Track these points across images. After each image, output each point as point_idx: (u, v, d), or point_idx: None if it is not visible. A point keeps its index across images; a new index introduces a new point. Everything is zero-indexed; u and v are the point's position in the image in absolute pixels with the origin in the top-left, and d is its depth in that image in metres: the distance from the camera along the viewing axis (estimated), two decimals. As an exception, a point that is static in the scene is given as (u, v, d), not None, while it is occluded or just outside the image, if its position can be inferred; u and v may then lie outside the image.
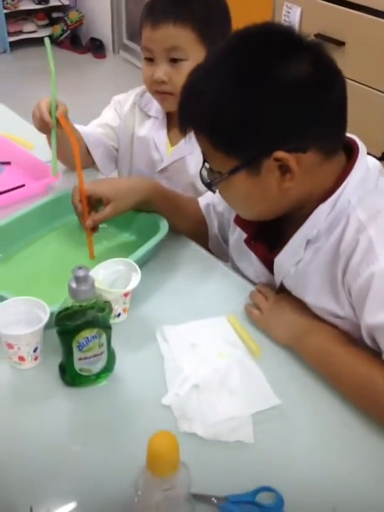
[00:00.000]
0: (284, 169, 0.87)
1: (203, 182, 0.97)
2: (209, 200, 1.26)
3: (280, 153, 0.85)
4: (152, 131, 1.40)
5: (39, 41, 4.72)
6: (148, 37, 1.25)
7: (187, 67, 1.22)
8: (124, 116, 1.43)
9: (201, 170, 0.96)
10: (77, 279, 0.83)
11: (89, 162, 1.41)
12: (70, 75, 4.40)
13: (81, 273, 0.83)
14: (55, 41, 4.66)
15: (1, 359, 0.95)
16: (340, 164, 0.93)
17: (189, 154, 1.35)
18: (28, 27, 4.60)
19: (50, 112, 1.23)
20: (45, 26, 4.67)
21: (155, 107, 1.39)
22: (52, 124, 1.24)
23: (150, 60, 1.27)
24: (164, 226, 1.15)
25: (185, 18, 1.21)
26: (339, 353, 0.92)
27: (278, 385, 0.92)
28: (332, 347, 0.93)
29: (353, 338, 0.94)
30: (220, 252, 1.27)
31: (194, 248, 1.22)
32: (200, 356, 0.96)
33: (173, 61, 1.25)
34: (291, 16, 2.33)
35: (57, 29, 4.62)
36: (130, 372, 0.95)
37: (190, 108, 0.90)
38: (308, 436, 0.86)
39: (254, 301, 1.05)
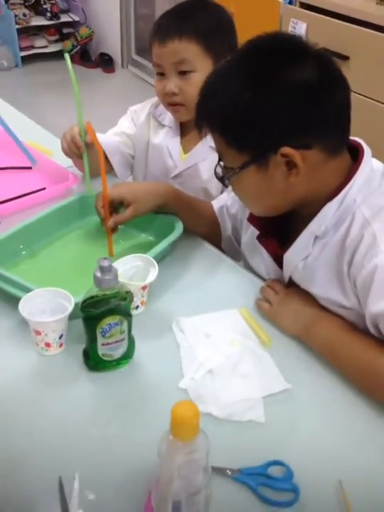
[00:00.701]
0: (290, 165, 0.94)
1: (217, 177, 1.04)
2: (223, 202, 1.33)
3: (286, 149, 0.92)
4: (166, 139, 1.48)
5: (50, 56, 4.88)
6: (158, 53, 1.33)
7: (195, 78, 1.31)
8: (140, 125, 1.51)
9: (216, 167, 1.03)
10: (102, 269, 0.90)
11: (107, 168, 1.49)
12: (80, 88, 4.51)
13: (105, 263, 0.90)
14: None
15: (28, 346, 1.02)
16: (345, 164, 1.00)
17: (201, 161, 1.43)
18: (40, 42, 4.71)
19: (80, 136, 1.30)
20: (56, 41, 4.78)
21: (168, 117, 1.47)
22: (83, 148, 1.31)
23: (161, 74, 1.36)
24: (179, 226, 1.22)
25: (189, 32, 1.29)
26: (346, 341, 0.98)
27: (287, 371, 0.98)
28: (339, 335, 0.99)
29: (358, 328, 1.00)
30: (233, 252, 1.34)
31: (207, 247, 1.29)
32: (213, 345, 1.03)
33: (182, 73, 1.33)
34: (297, 31, 2.42)
35: (67, 44, 4.73)
36: (148, 359, 1.02)
37: (205, 108, 0.98)
38: (315, 416, 0.93)
39: (264, 295, 1.12)
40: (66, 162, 1.49)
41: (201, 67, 1.31)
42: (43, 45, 4.73)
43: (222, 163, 1.02)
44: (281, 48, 0.94)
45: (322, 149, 0.95)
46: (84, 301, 0.93)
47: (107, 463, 0.85)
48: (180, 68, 1.32)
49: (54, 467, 0.84)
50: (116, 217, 1.21)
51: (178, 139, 1.47)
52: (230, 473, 0.83)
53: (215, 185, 1.44)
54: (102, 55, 4.75)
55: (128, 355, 0.99)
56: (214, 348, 1.02)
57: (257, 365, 0.99)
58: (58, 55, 4.79)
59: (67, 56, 1.28)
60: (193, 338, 1.04)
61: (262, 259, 1.19)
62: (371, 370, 0.94)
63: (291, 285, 1.12)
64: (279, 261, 1.14)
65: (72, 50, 4.71)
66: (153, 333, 1.06)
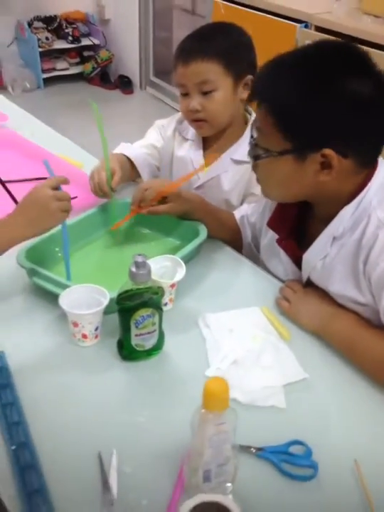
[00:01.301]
0: (325, 165, 1.03)
1: (249, 154, 1.12)
2: (243, 212, 1.42)
3: (328, 151, 1.01)
4: (190, 152, 1.57)
5: (70, 78, 5.04)
6: (181, 74, 1.42)
7: (217, 96, 1.41)
8: (167, 138, 1.62)
9: (251, 142, 1.11)
10: (137, 265, 0.99)
11: (133, 177, 1.59)
12: (99, 109, 4.65)
13: (140, 259, 0.99)
14: (85, 78, 4.92)
15: (65, 338, 1.10)
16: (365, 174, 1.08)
17: (223, 173, 1.52)
18: (61, 64, 4.86)
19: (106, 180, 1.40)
20: (77, 64, 4.93)
21: (191, 131, 1.57)
22: (110, 195, 1.41)
23: (185, 94, 1.45)
24: (203, 231, 1.31)
25: (210, 53, 1.38)
26: (361, 336, 1.06)
27: (305, 363, 1.06)
28: (355, 331, 1.07)
29: (373, 324, 1.08)
30: (252, 257, 1.42)
31: (230, 252, 1.38)
32: (237, 339, 1.11)
33: (205, 93, 1.42)
34: (312, 54, 2.52)
35: (88, 67, 4.88)
36: (176, 351, 1.10)
37: (269, 88, 1.05)
38: (331, 403, 1.00)
39: (284, 294, 1.20)
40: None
41: (223, 85, 1.41)
42: (64, 67, 4.88)
43: (255, 141, 1.09)
44: (351, 58, 1.02)
45: (355, 160, 1.04)
46: (119, 295, 1.02)
47: (141, 441, 0.93)
48: (203, 88, 1.41)
49: (93, 444, 0.92)
50: (153, 208, 1.30)
51: (200, 152, 1.56)
52: (254, 450, 0.90)
53: (235, 196, 1.52)
54: (121, 77, 4.89)
55: (158, 347, 1.08)
56: (237, 341, 1.10)
57: (277, 356, 1.07)
58: (79, 77, 4.95)
59: (95, 107, 1.37)
60: (217, 332, 1.12)
61: (280, 261, 1.28)
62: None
63: (308, 285, 1.20)
64: (297, 262, 1.22)
65: (92, 72, 4.87)
66: (181, 328, 1.14)
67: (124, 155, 1.56)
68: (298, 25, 2.58)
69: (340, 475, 0.88)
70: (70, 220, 1.35)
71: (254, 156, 1.11)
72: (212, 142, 1.55)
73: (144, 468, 0.89)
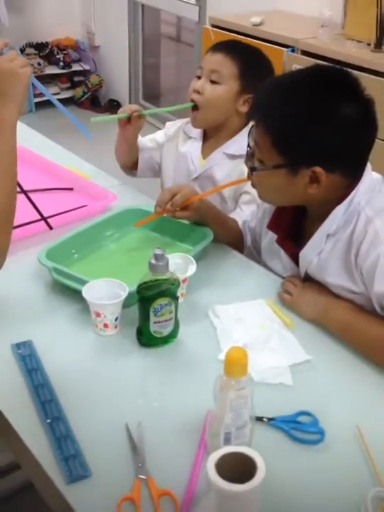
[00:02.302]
0: (313, 179, 1.16)
1: (245, 163, 1.26)
2: (244, 218, 1.54)
3: (318, 169, 1.14)
4: (191, 148, 1.75)
5: (62, 102, 5.09)
6: (205, 59, 1.64)
7: (219, 89, 1.61)
8: (170, 135, 1.81)
9: (247, 154, 1.25)
10: (156, 257, 1.10)
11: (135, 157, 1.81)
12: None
13: (159, 252, 1.09)
14: (76, 102, 5.05)
15: (87, 329, 1.20)
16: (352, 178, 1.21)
17: (216, 165, 1.69)
18: (52, 89, 4.99)
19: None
20: (68, 89, 5.07)
21: (196, 131, 1.75)
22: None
23: (199, 77, 1.64)
24: (210, 234, 1.42)
25: (234, 55, 1.60)
26: (357, 320, 1.18)
27: (307, 346, 1.17)
28: (352, 316, 1.19)
29: (367, 310, 1.19)
30: (253, 259, 1.53)
31: (234, 253, 1.49)
32: (244, 327, 1.21)
33: (212, 82, 1.61)
34: (299, 76, 2.68)
35: (78, 91, 5.02)
36: (190, 339, 1.20)
37: (269, 109, 1.18)
38: (332, 380, 1.11)
39: (285, 288, 1.31)
40: (105, 184, 1.72)
41: (228, 84, 1.61)
42: (55, 92, 5.00)
43: (251, 150, 1.23)
44: (342, 84, 1.15)
45: (341, 175, 1.17)
46: (140, 285, 1.12)
47: (162, 415, 1.03)
48: (212, 76, 1.61)
49: (119, 418, 1.01)
50: (178, 212, 1.40)
51: (200, 149, 1.74)
52: (266, 420, 1.00)
53: (228, 188, 1.65)
54: (111, 100, 5.03)
55: (174, 334, 1.18)
56: (245, 329, 1.20)
57: (282, 341, 1.18)
58: (69, 101, 5.08)
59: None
60: (227, 321, 1.23)
61: (279, 259, 1.39)
62: (379, 343, 1.13)
63: (306, 279, 1.31)
64: (295, 259, 1.33)
65: (82, 96, 5.01)
66: (193, 319, 1.24)
67: None
68: (285, 49, 2.74)
69: (344, 439, 0.98)
70: (86, 224, 1.46)
71: (251, 168, 1.24)
72: (209, 137, 1.73)
73: (167, 436, 0.98)
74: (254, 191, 1.35)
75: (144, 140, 1.83)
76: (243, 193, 1.63)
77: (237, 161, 1.65)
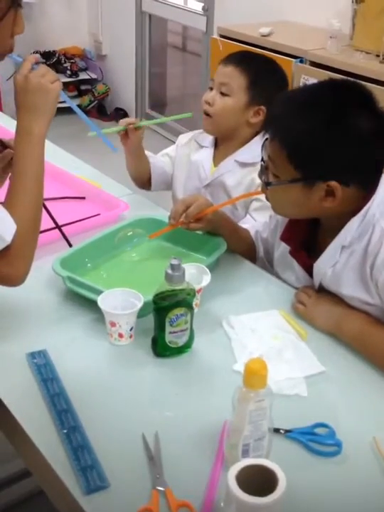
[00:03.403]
0: (329, 193, 1.16)
1: (259, 177, 1.27)
2: (256, 228, 1.55)
3: (334, 183, 1.14)
4: (203, 156, 1.78)
5: (68, 110, 5.16)
6: (217, 70, 1.67)
7: (228, 101, 1.65)
8: (181, 146, 1.84)
9: (261, 168, 1.25)
10: (173, 267, 1.10)
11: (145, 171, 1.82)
12: (96, 140, 4.79)
13: (176, 262, 1.10)
14: (83, 110, 5.06)
15: (101, 338, 1.20)
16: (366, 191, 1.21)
17: (227, 172, 1.71)
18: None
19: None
20: (75, 97, 5.08)
21: (208, 140, 1.77)
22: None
23: (211, 89, 1.68)
24: (224, 244, 1.43)
25: (244, 68, 1.62)
26: (372, 332, 1.18)
27: (322, 358, 1.17)
28: (366, 327, 1.19)
29: (382, 321, 1.19)
30: (265, 270, 1.53)
31: (247, 263, 1.49)
32: (259, 338, 1.21)
33: (222, 94, 1.64)
34: (308, 87, 2.69)
35: (85, 99, 5.04)
36: (205, 349, 1.20)
37: (283, 125, 1.18)
38: (347, 392, 1.11)
39: (299, 299, 1.31)
40: (117, 193, 1.72)
41: (237, 97, 1.64)
42: (62, 100, 5.03)
43: (265, 164, 1.23)
44: (357, 98, 1.16)
45: (357, 188, 1.18)
46: (156, 295, 1.12)
47: (178, 425, 1.03)
48: (222, 89, 1.64)
49: (135, 428, 1.01)
50: (192, 224, 1.40)
51: (211, 157, 1.76)
52: (283, 432, 1.00)
53: (238, 192, 1.67)
54: (118, 109, 5.05)
55: (189, 345, 1.18)
56: (260, 340, 1.20)
57: (297, 352, 1.18)
58: (76, 110, 5.11)
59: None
60: (241, 332, 1.23)
61: (293, 271, 1.39)
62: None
63: (320, 290, 1.31)
64: (308, 270, 1.33)
65: (89, 104, 5.02)
66: (207, 329, 1.24)
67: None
68: (294, 60, 2.75)
69: (361, 451, 0.98)
70: (99, 233, 1.46)
71: (266, 183, 1.24)
72: (222, 146, 1.75)
73: (184, 447, 0.98)
74: (264, 198, 1.35)
75: (157, 156, 1.87)
76: (254, 200, 1.64)
77: (248, 169, 1.67)
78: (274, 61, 1.72)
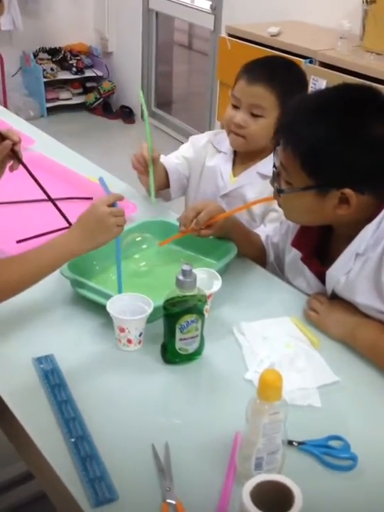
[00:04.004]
0: (343, 201, 1.13)
1: (271, 182, 1.24)
2: (267, 232, 1.52)
3: (348, 191, 1.11)
4: (220, 163, 1.70)
5: (73, 107, 5.17)
6: (241, 89, 1.56)
7: (262, 122, 1.55)
8: (198, 149, 1.75)
9: (274, 176, 1.22)
10: (184, 273, 1.07)
11: (166, 184, 1.74)
12: (101, 138, 4.77)
13: (187, 268, 1.07)
14: (88, 108, 5.05)
15: (109, 343, 1.18)
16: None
17: (248, 184, 1.64)
18: (64, 94, 5.00)
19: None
20: (80, 94, 5.06)
21: (226, 144, 1.69)
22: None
23: (235, 107, 1.58)
24: (234, 248, 1.40)
25: (273, 85, 1.52)
26: (388, 341, 1.15)
27: (335, 367, 1.14)
28: (380, 337, 1.16)
29: (397, 331, 1.17)
30: (276, 275, 1.51)
31: (258, 268, 1.47)
32: (271, 346, 1.19)
33: (254, 115, 1.55)
34: (317, 87, 2.66)
35: (90, 97, 5.02)
36: (215, 356, 1.17)
37: (295, 132, 1.15)
38: (362, 402, 1.09)
39: (311, 306, 1.28)
40: (124, 194, 1.69)
41: (270, 115, 1.54)
42: (67, 97, 5.01)
43: (277, 170, 1.20)
44: (371, 103, 1.13)
45: (372, 195, 1.15)
46: (166, 301, 1.10)
47: (188, 435, 1.00)
48: (253, 110, 1.55)
49: (145, 438, 0.99)
50: (203, 231, 1.37)
51: (230, 164, 1.69)
52: (296, 444, 0.98)
53: (257, 205, 1.61)
54: (123, 107, 5.03)
55: (199, 351, 1.15)
56: (272, 348, 1.18)
57: (309, 361, 1.15)
58: (81, 107, 5.09)
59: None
60: (252, 339, 1.20)
61: (304, 277, 1.36)
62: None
63: (333, 297, 1.28)
64: (320, 277, 1.31)
65: (95, 102, 5.00)
66: (217, 335, 1.22)
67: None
68: (303, 60, 2.71)
69: (377, 464, 0.95)
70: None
71: (278, 190, 1.22)
72: (242, 155, 1.67)
73: (194, 457, 0.96)
74: (281, 210, 1.32)
75: (170, 160, 1.76)
76: (271, 210, 1.60)
77: (269, 181, 1.60)
78: (293, 63, 1.64)
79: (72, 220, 1.52)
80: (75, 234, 1.20)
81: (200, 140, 1.77)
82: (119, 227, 1.21)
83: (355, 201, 1.13)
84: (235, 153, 1.69)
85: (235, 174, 1.68)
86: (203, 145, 1.75)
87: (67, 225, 1.43)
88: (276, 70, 1.57)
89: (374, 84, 1.21)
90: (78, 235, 1.19)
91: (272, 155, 1.57)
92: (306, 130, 1.13)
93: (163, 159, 1.73)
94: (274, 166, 1.23)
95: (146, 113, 1.57)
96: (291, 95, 1.51)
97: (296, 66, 1.64)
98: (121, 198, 1.25)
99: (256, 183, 1.63)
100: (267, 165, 1.59)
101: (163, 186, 1.75)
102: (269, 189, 1.58)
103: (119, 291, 1.27)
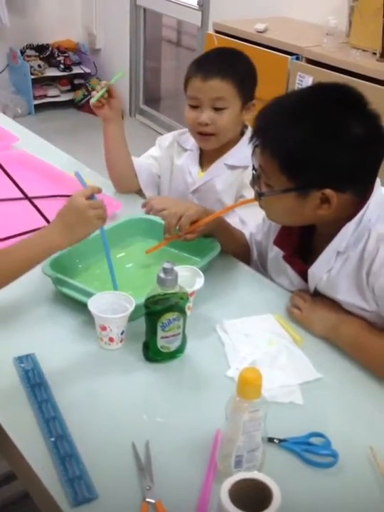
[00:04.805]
0: (324, 201, 1.13)
1: (252, 186, 1.23)
2: (251, 230, 1.52)
3: (329, 191, 1.11)
4: (188, 160, 1.71)
5: (61, 104, 5.14)
6: (198, 87, 1.55)
7: (227, 114, 1.56)
8: (165, 149, 1.75)
9: (253, 178, 1.22)
10: (165, 271, 1.07)
11: (136, 186, 1.73)
12: (90, 135, 4.74)
13: (168, 265, 1.06)
14: (76, 105, 5.02)
15: (91, 342, 1.17)
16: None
17: (216, 176, 1.66)
18: (52, 92, 4.96)
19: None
20: (68, 91, 5.02)
21: (191, 142, 1.70)
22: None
23: (195, 107, 1.57)
24: (218, 246, 1.40)
25: (229, 75, 1.53)
26: (368, 338, 1.15)
27: (318, 364, 1.14)
28: (364, 334, 1.16)
29: (378, 327, 1.17)
30: (259, 273, 1.50)
31: (242, 266, 1.46)
32: (253, 343, 1.19)
33: (217, 109, 1.55)
34: (304, 84, 2.65)
35: (78, 94, 4.98)
36: (197, 354, 1.17)
37: (272, 135, 1.14)
38: (344, 399, 1.09)
39: (294, 303, 1.28)
40: (109, 191, 1.70)
41: (233, 105, 1.55)
42: (55, 94, 4.98)
43: (261, 177, 1.19)
44: (348, 101, 1.11)
45: (353, 194, 1.14)
46: (148, 299, 1.09)
47: (169, 434, 1.00)
48: (216, 104, 1.54)
49: (125, 437, 0.98)
50: (189, 236, 1.37)
51: (197, 161, 1.70)
52: (277, 441, 0.98)
53: (228, 197, 1.64)
54: (111, 104, 5.00)
55: (181, 349, 1.15)
56: (254, 345, 1.18)
57: (292, 359, 1.15)
58: (69, 104, 5.05)
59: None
60: (235, 337, 1.20)
61: (286, 275, 1.36)
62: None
63: (316, 294, 1.28)
64: (303, 275, 1.30)
65: (83, 99, 4.97)
66: (200, 333, 1.21)
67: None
68: (290, 57, 2.71)
69: (358, 461, 0.96)
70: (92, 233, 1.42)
71: (259, 193, 1.21)
72: (209, 150, 1.67)
73: (175, 456, 0.96)
74: (251, 195, 1.31)
75: (140, 160, 1.77)
76: (240, 197, 1.61)
77: (238, 171, 1.63)
78: (240, 51, 1.64)
79: (53, 218, 1.52)
80: (54, 228, 1.19)
81: (165, 140, 1.77)
82: (99, 219, 1.20)
83: (336, 201, 1.12)
84: (200, 148, 1.70)
85: (203, 169, 1.70)
86: (169, 145, 1.76)
87: (46, 223, 1.42)
88: (228, 60, 1.58)
89: (349, 84, 1.18)
90: (58, 229, 1.18)
91: (237, 146, 1.63)
92: (284, 133, 1.12)
93: (134, 160, 1.73)
94: (254, 168, 1.22)
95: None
96: (245, 82, 1.56)
97: (243, 54, 1.63)
98: (99, 191, 1.23)
99: (223, 174, 1.65)
100: (233, 156, 1.63)
101: (130, 179, 1.73)
102: (237, 179, 1.62)
103: (114, 287, 1.26)
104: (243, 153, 1.58)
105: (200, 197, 1.67)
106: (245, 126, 1.67)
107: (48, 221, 1.42)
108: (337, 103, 1.11)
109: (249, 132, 1.64)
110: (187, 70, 1.59)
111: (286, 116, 1.13)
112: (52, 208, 1.60)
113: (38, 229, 1.43)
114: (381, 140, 1.14)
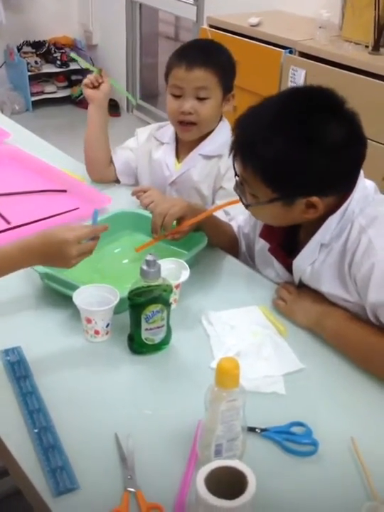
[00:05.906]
0: (309, 205, 1.14)
1: (235, 191, 1.23)
2: (239, 223, 1.52)
3: (314, 198, 1.12)
4: (164, 154, 1.73)
5: (58, 101, 5.14)
6: (182, 77, 1.56)
7: (209, 103, 1.58)
8: (142, 142, 1.77)
9: (237, 186, 1.22)
10: (148, 263, 1.07)
11: (112, 175, 1.76)
12: (81, 133, 4.76)
13: (151, 258, 1.07)
14: (73, 101, 5.02)
15: (78, 335, 1.18)
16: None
17: (192, 167, 1.67)
18: (49, 88, 4.97)
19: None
20: (65, 87, 5.03)
21: (168, 136, 1.72)
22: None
23: (178, 96, 1.58)
24: (204, 239, 1.40)
25: (213, 65, 1.54)
26: (351, 329, 1.16)
27: (301, 355, 1.15)
28: (345, 324, 1.17)
29: (361, 318, 1.17)
30: (248, 265, 1.51)
31: (229, 258, 1.47)
32: (238, 335, 1.19)
33: (199, 98, 1.57)
34: (297, 78, 2.66)
35: (75, 90, 4.98)
36: (183, 346, 1.18)
37: (252, 149, 1.12)
38: (326, 389, 1.10)
39: (279, 295, 1.29)
40: (99, 186, 1.72)
41: (215, 95, 1.58)
42: (52, 90, 4.98)
43: (244, 185, 1.19)
44: (322, 105, 1.11)
45: (336, 195, 1.16)
46: (131, 291, 1.10)
47: (153, 424, 1.01)
48: (199, 94, 1.56)
49: (109, 428, 0.99)
50: (177, 235, 1.37)
51: (173, 154, 1.72)
52: (259, 431, 0.99)
53: (206, 187, 1.66)
54: (109, 100, 5.00)
55: (166, 341, 1.16)
56: (239, 337, 1.18)
57: (276, 349, 1.16)
58: (66, 100, 5.06)
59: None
60: (220, 328, 1.21)
61: (272, 267, 1.37)
62: (372, 352, 1.12)
63: (301, 286, 1.29)
64: (288, 267, 1.31)
65: (80, 95, 4.96)
66: (186, 325, 1.22)
67: None
68: (283, 51, 2.71)
69: (338, 450, 0.96)
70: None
71: (245, 205, 1.22)
72: (185, 143, 1.69)
73: (158, 447, 0.97)
74: (229, 186, 1.31)
75: (117, 149, 1.80)
76: (219, 188, 1.63)
77: (214, 161, 1.65)
78: (220, 43, 1.64)
79: (45, 214, 1.53)
80: (33, 253, 1.15)
81: (142, 133, 1.79)
82: (76, 260, 1.17)
83: (321, 206, 1.14)
84: (177, 141, 1.72)
85: (179, 161, 1.71)
86: (146, 139, 1.77)
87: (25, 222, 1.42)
88: (211, 51, 1.60)
89: (324, 87, 1.15)
90: (37, 254, 1.15)
91: (211, 136, 1.64)
92: (264, 148, 1.11)
93: (113, 150, 1.77)
94: (236, 173, 1.22)
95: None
96: (226, 73, 1.58)
97: (223, 46, 1.64)
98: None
99: (199, 164, 1.66)
100: (207, 145, 1.64)
101: (106, 166, 1.77)
102: (214, 169, 1.63)
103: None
104: (217, 142, 1.62)
105: (178, 189, 1.69)
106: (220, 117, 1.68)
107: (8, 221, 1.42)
108: (314, 109, 1.10)
109: (224, 123, 1.66)
110: (168, 60, 1.61)
111: (264, 130, 1.11)
112: (42, 203, 1.63)
113: (20, 226, 1.44)
114: (361, 139, 1.14)
